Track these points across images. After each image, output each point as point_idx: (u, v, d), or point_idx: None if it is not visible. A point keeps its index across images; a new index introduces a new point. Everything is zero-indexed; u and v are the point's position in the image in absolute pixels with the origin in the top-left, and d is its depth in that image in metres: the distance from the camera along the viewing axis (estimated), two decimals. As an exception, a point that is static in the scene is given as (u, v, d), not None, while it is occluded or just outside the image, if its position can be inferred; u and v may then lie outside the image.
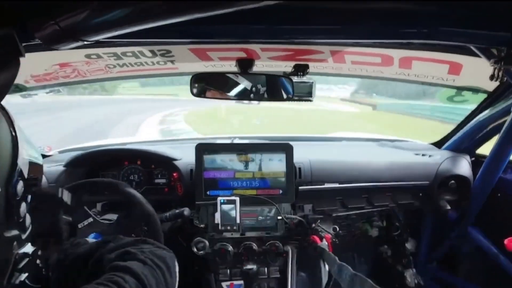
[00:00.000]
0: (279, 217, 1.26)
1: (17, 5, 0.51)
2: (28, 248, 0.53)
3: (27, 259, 0.52)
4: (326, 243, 1.26)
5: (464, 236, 1.50)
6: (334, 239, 1.31)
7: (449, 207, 1.48)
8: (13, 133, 0.49)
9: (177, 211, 1.19)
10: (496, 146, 1.30)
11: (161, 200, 1.36)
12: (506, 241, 1.19)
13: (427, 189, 1.45)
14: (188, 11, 0.41)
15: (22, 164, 0.50)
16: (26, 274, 0.53)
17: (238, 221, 1.23)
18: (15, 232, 0.49)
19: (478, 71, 1.15)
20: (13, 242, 0.49)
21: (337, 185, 1.37)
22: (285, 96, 1.12)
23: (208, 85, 1.13)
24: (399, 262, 1.69)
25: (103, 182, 1.17)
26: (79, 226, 1.03)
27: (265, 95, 1.13)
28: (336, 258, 1.07)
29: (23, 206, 0.51)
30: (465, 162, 1.49)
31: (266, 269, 1.31)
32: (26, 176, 0.52)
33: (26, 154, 0.52)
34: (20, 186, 0.49)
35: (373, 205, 1.43)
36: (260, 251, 1.27)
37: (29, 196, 0.53)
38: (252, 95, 1.12)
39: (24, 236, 0.52)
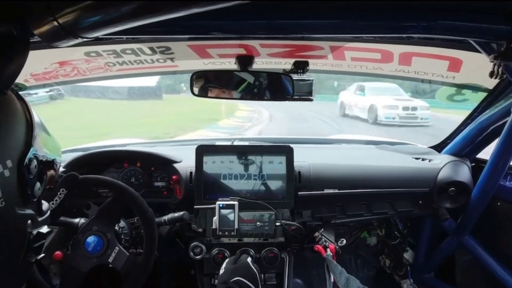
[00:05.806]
0: (278, 223, 1.24)
1: (16, 2, 0.51)
2: (44, 230, 0.55)
3: (42, 241, 0.54)
4: (331, 253, 1.24)
5: (461, 246, 1.46)
6: (337, 249, 1.29)
7: (448, 216, 1.45)
8: (28, 116, 0.51)
9: (176, 215, 1.17)
10: (495, 151, 1.25)
11: (160, 203, 1.36)
12: None
13: (427, 196, 1.41)
14: (187, 6, 0.41)
15: (38, 147, 0.52)
16: (43, 255, 0.55)
17: (236, 226, 1.21)
18: (29, 211, 0.51)
19: (479, 68, 1.14)
20: (27, 220, 0.50)
21: (336, 191, 1.35)
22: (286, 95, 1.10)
23: (209, 83, 1.11)
24: (397, 272, 1.67)
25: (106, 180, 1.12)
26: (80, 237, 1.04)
27: (268, 94, 1.10)
28: (344, 270, 1.06)
29: (37, 185, 0.52)
30: (466, 168, 1.44)
31: (262, 275, 1.29)
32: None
33: (42, 142, 0.54)
34: (33, 165, 0.50)
35: (373, 212, 1.40)
36: (257, 258, 1.25)
37: (45, 178, 0.54)
38: (255, 93, 1.10)
39: (40, 218, 0.54)
